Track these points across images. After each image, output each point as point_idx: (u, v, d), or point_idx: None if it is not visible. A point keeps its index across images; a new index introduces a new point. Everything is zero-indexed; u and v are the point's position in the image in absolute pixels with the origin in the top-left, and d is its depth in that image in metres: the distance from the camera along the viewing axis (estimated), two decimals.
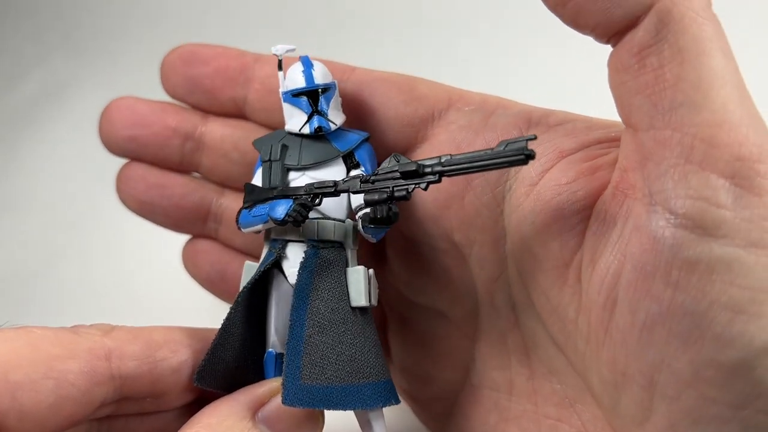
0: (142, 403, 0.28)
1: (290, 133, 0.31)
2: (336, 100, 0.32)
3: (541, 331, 0.30)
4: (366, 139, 0.32)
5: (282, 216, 0.28)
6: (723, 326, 0.22)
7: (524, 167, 0.29)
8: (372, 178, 0.28)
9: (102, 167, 0.66)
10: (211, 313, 0.39)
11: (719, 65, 0.23)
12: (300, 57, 0.32)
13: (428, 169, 0.27)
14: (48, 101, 0.76)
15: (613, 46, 0.25)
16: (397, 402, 0.28)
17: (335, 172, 0.31)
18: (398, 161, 0.28)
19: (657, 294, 0.23)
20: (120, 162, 0.39)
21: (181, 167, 0.38)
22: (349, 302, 0.29)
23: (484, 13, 0.64)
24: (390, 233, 0.35)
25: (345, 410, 0.27)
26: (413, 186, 0.27)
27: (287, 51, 0.31)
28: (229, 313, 0.28)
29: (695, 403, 0.23)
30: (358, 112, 0.34)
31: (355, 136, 0.32)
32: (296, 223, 0.28)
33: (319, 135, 0.31)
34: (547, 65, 0.59)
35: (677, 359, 0.23)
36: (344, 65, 0.35)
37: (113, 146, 0.38)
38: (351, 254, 0.30)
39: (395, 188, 0.27)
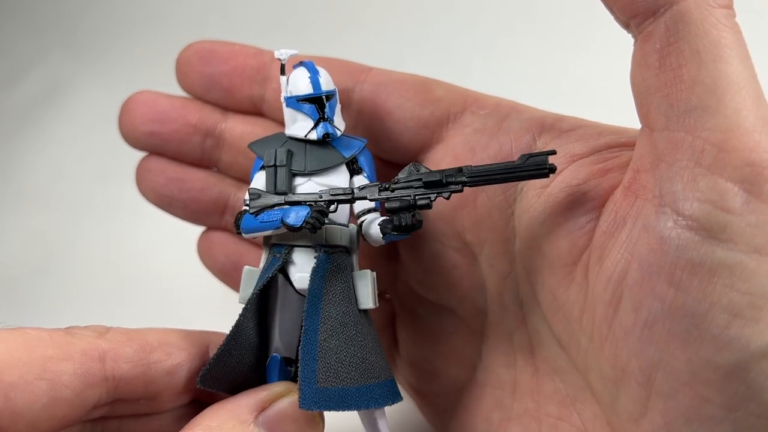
0: (136, 405, 0.28)
1: (292, 138, 0.31)
2: (338, 107, 0.32)
3: (545, 329, 0.30)
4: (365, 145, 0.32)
5: (300, 223, 0.28)
6: (721, 328, 0.23)
7: None
8: (392, 186, 0.28)
9: (102, 166, 0.66)
10: (217, 309, 0.40)
11: (735, 72, 0.23)
12: (302, 62, 0.32)
13: (452, 179, 0.28)
14: (48, 101, 0.76)
15: (634, 35, 0.25)
16: (401, 399, 0.29)
17: (340, 177, 0.31)
18: (418, 170, 0.28)
19: (660, 293, 0.24)
20: (119, 161, 0.40)
21: (201, 163, 0.39)
22: (357, 305, 0.30)
23: (493, 17, 0.65)
24: None
25: (358, 410, 0.28)
26: (435, 195, 0.28)
27: (291, 55, 0.31)
28: (239, 321, 0.29)
29: (690, 402, 0.24)
30: (373, 113, 0.35)
31: (357, 142, 0.32)
32: (314, 230, 0.28)
33: (324, 141, 0.31)
34: (557, 71, 0.59)
35: (676, 358, 0.24)
36: (360, 65, 0.36)
37: (133, 140, 0.38)
38: (356, 258, 0.31)
39: (417, 197, 0.28)
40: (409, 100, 0.34)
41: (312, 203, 0.29)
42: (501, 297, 0.32)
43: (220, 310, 0.31)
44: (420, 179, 0.28)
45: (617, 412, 0.27)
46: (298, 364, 0.28)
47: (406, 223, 0.27)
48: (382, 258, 0.37)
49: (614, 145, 0.29)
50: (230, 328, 0.28)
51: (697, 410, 0.24)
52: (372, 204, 0.31)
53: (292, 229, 0.28)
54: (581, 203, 0.28)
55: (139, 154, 0.40)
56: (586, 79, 0.56)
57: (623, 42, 0.27)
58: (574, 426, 0.29)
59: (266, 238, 0.31)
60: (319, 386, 0.27)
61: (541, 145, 0.30)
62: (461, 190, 0.28)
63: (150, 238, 0.59)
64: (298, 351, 0.29)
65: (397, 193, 0.28)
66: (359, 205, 0.31)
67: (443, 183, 0.28)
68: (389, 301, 0.38)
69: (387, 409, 0.30)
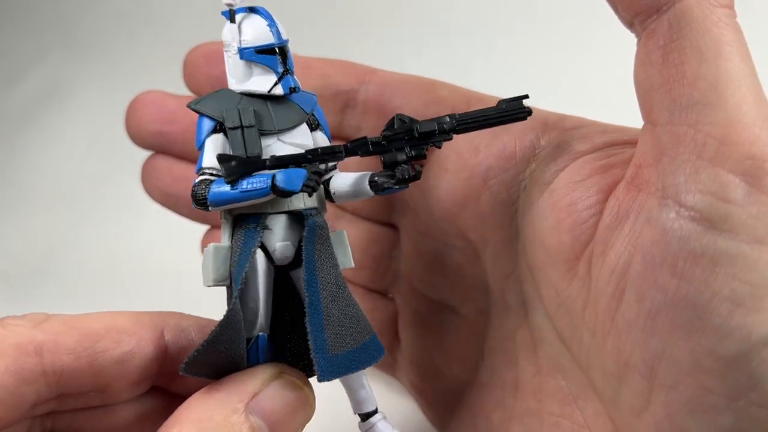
0: (86, 398, 0.26)
1: (246, 95, 0.29)
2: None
3: (548, 326, 0.30)
4: None
5: (299, 187, 0.26)
6: (723, 318, 0.23)
7: (539, 168, 0.30)
8: (383, 140, 0.28)
9: (103, 166, 0.67)
10: (222, 308, 0.40)
11: (736, 68, 0.24)
12: (252, 8, 0.29)
13: (446, 126, 0.28)
14: (48, 101, 0.76)
15: (637, 34, 0.26)
16: (384, 353, 0.29)
17: (304, 135, 0.29)
18: (405, 122, 0.28)
19: (663, 284, 0.24)
20: (120, 161, 0.40)
21: None
22: (339, 266, 0.29)
23: (493, 17, 0.66)
24: (406, 229, 0.36)
25: (364, 369, 0.28)
26: (429, 145, 0.28)
27: (242, 0, 0.29)
28: (234, 305, 0.26)
29: (693, 392, 0.24)
30: (378, 113, 0.35)
31: (310, 96, 0.30)
32: (311, 192, 0.27)
33: (281, 96, 0.29)
34: (557, 71, 0.60)
35: (678, 348, 0.24)
36: (365, 66, 0.36)
37: (140, 140, 0.39)
38: (327, 218, 0.29)
39: (412, 148, 0.28)
40: (413, 100, 0.34)
41: (303, 164, 0.27)
42: (503, 295, 0.32)
43: (224, 310, 0.31)
44: (412, 130, 0.28)
45: (619, 407, 0.27)
46: (290, 337, 0.28)
47: (408, 175, 0.27)
48: (385, 257, 0.37)
49: (616, 143, 0.29)
50: (224, 314, 0.26)
51: (699, 400, 0.24)
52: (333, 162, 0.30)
53: (286, 194, 0.26)
54: (584, 198, 0.28)
55: (140, 154, 0.40)
56: (586, 79, 0.57)
57: (622, 43, 0.27)
58: (576, 423, 0.29)
59: (227, 210, 0.28)
60: (330, 354, 0.27)
61: (545, 144, 0.31)
62: (451, 138, 0.28)
63: (151, 238, 0.59)
64: (271, 325, 0.28)
65: (391, 146, 0.28)
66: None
67: (436, 132, 0.28)
68: (392, 299, 0.39)
69: (388, 409, 0.30)
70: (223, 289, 0.29)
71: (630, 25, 0.26)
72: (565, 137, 0.30)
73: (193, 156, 0.38)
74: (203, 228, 0.42)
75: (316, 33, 0.69)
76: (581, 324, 0.28)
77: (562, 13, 0.61)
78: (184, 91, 0.40)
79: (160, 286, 0.55)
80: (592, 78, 0.56)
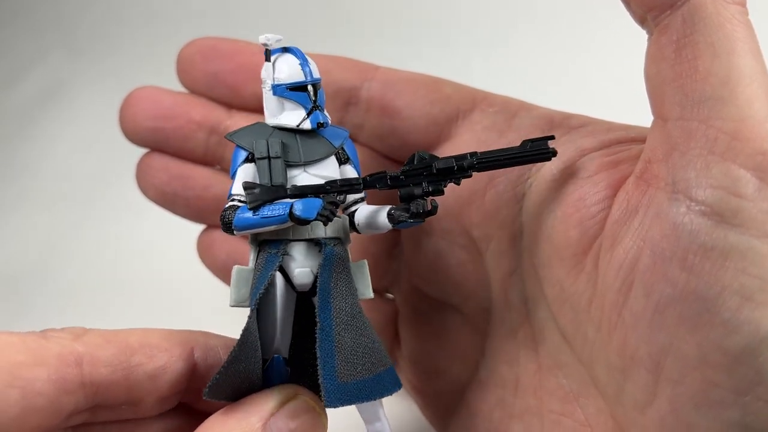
0: (119, 411, 0.27)
1: (278, 128, 0.30)
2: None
3: (550, 324, 0.30)
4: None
5: (314, 215, 0.27)
6: (732, 312, 0.23)
7: (546, 166, 0.30)
8: (401, 175, 0.29)
9: (103, 166, 0.67)
10: (220, 310, 0.40)
11: (748, 64, 0.24)
12: (287, 48, 0.31)
13: (465, 164, 0.28)
14: (48, 101, 0.76)
15: (649, 30, 0.26)
16: (401, 386, 0.30)
17: (331, 167, 0.31)
18: (425, 158, 0.29)
19: (672, 277, 0.24)
20: (120, 161, 0.39)
21: (205, 160, 0.38)
22: (357, 296, 0.29)
23: (493, 17, 0.66)
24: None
25: (374, 400, 0.28)
26: (448, 181, 0.28)
27: (278, 40, 0.30)
28: (248, 325, 0.27)
29: (699, 387, 0.24)
30: (382, 111, 0.35)
31: (341, 131, 0.31)
32: (327, 222, 0.27)
33: (311, 130, 0.30)
34: (557, 71, 0.60)
35: (686, 342, 0.24)
36: (367, 64, 0.36)
37: (134, 136, 0.38)
38: (349, 249, 0.31)
39: (430, 184, 0.28)
40: (419, 98, 0.34)
41: (322, 194, 0.28)
42: (506, 294, 0.32)
43: (222, 311, 0.31)
44: (431, 166, 0.28)
45: (623, 402, 0.27)
46: (303, 362, 0.28)
47: (423, 210, 0.28)
48: (385, 256, 0.37)
49: (623, 140, 0.29)
50: (240, 333, 0.27)
51: (706, 395, 0.24)
52: (361, 194, 0.31)
53: (302, 222, 0.27)
54: (592, 194, 0.28)
55: (141, 154, 0.39)
56: (586, 79, 0.57)
57: (622, 43, 0.27)
58: (577, 421, 0.29)
59: (254, 236, 0.30)
60: (340, 381, 0.27)
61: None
62: (470, 176, 0.28)
63: (151, 238, 0.59)
64: (290, 349, 0.29)
65: (408, 180, 0.29)
66: (348, 196, 0.30)
67: (455, 169, 0.28)
68: (391, 299, 0.38)
69: (387, 409, 0.30)
70: (226, 299, 0.29)
71: (642, 20, 0.26)
72: (572, 135, 0.30)
73: (189, 154, 0.38)
74: (201, 228, 0.42)
75: (317, 32, 0.69)
76: (586, 320, 0.28)
77: (562, 13, 0.61)
78: (184, 91, 0.39)
79: (160, 286, 0.55)
80: (592, 78, 0.56)
